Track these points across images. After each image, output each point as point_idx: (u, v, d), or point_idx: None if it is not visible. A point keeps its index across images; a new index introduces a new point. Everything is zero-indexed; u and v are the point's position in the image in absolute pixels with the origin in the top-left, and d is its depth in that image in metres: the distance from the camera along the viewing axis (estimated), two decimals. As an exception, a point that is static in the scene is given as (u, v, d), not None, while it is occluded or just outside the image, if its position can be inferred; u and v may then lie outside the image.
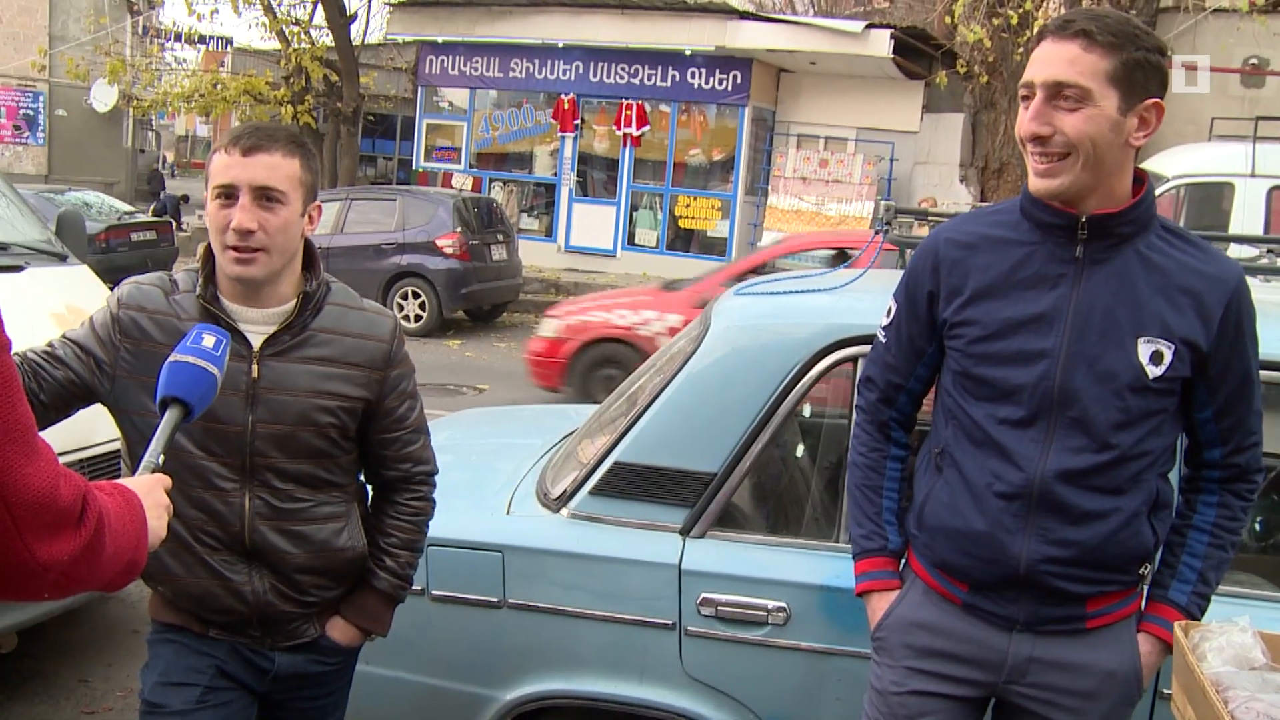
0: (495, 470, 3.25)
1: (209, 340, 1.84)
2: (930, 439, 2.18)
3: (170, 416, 1.76)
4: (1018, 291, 2.00)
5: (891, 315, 2.19)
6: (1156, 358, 1.95)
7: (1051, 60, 1.91)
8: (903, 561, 2.24)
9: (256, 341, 2.11)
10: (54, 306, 4.27)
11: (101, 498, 1.31)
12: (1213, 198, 9.42)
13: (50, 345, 2.11)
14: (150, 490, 1.53)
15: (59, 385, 2.06)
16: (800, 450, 3.27)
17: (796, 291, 2.93)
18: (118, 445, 3.89)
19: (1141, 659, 2.11)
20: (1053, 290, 1.99)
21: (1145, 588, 2.15)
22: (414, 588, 2.75)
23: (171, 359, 1.81)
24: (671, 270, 17.42)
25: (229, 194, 2.05)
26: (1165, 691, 2.39)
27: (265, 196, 2.05)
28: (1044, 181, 1.95)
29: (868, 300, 2.94)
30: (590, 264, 18.02)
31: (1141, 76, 1.90)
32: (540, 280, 16.59)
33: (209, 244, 2.12)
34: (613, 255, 18.21)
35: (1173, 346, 1.95)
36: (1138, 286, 1.97)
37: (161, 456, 1.69)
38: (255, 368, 2.10)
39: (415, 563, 2.36)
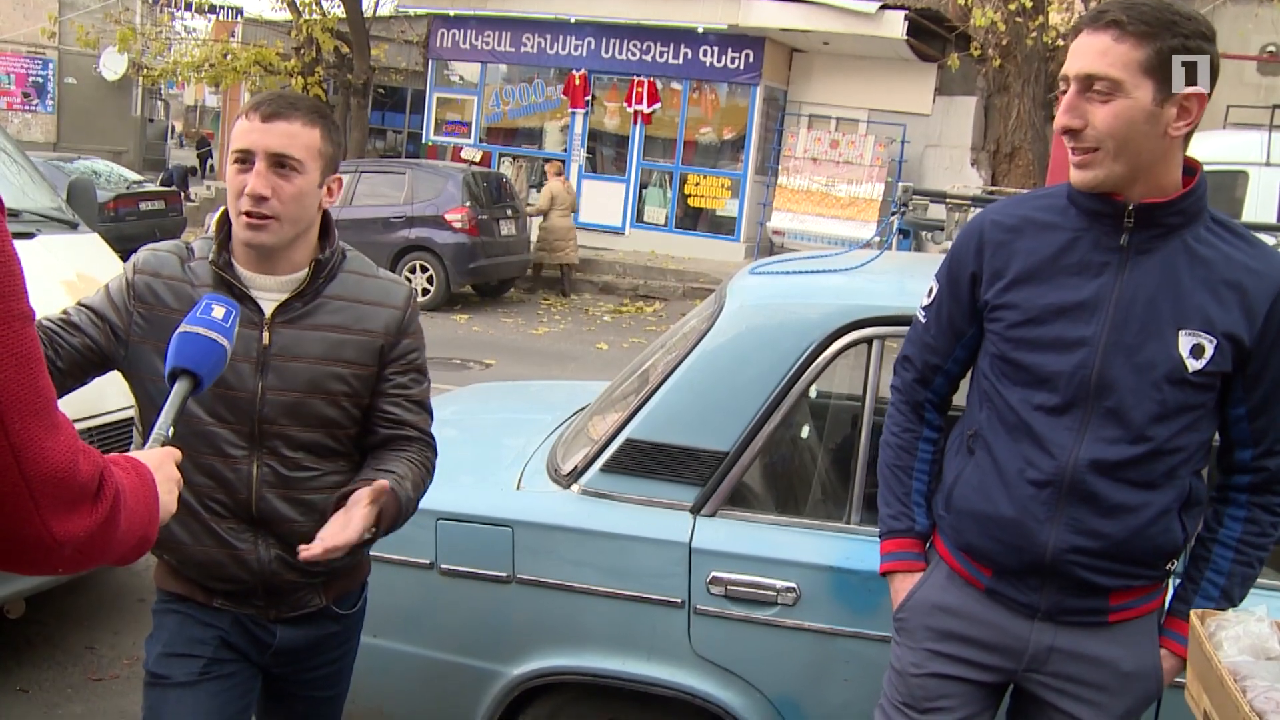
0: (504, 445, 3.24)
1: (218, 311, 1.82)
2: (963, 421, 2.16)
3: (179, 388, 1.74)
4: (1061, 277, 1.97)
5: (933, 295, 2.17)
6: (1197, 351, 1.92)
7: (1084, 52, 1.87)
8: (928, 543, 2.23)
9: (269, 308, 2.10)
10: (65, 274, 4.26)
11: (117, 473, 1.30)
12: (1226, 186, 9.36)
13: (66, 313, 2.10)
14: (161, 464, 1.52)
15: (76, 352, 2.05)
16: (812, 431, 3.25)
17: (811, 271, 2.91)
18: (127, 414, 3.91)
19: (1162, 669, 2.09)
20: (1096, 278, 1.95)
21: (1170, 583, 2.13)
22: (423, 561, 2.77)
23: (180, 330, 1.79)
24: (679, 249, 17.47)
25: (246, 159, 2.04)
26: (1175, 680, 2.38)
27: (280, 163, 2.03)
28: (1080, 174, 1.93)
29: (883, 281, 2.93)
30: (599, 240, 17.99)
31: None
32: (548, 257, 16.55)
33: (225, 210, 2.11)
34: (621, 232, 18.19)
35: (1214, 341, 1.92)
36: (1181, 278, 1.93)
37: (171, 429, 1.68)
38: (266, 334, 2.09)
39: (415, 497, 2.17)
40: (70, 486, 1.18)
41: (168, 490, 1.50)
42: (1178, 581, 2.14)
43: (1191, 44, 1.85)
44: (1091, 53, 1.86)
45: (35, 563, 1.22)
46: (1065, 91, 1.91)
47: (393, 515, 2.08)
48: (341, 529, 1.95)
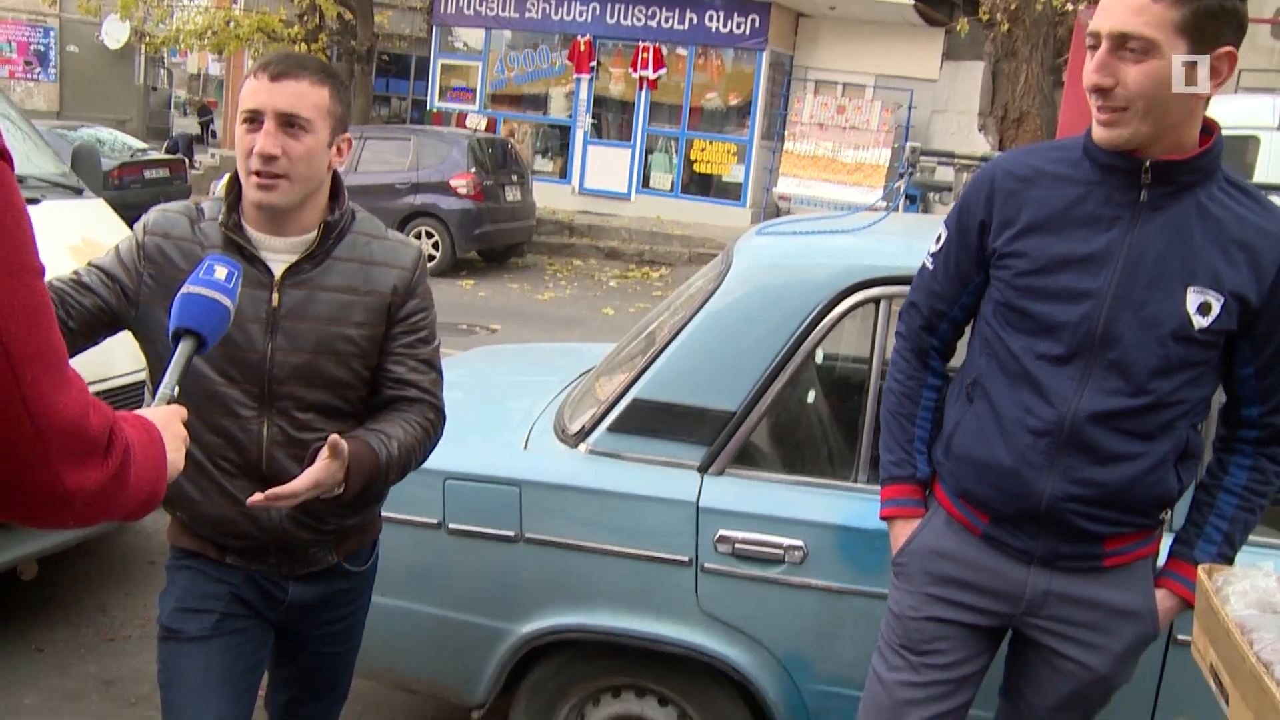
0: (511, 407, 3.24)
1: (221, 272, 1.82)
2: (963, 369, 2.17)
3: (183, 348, 1.75)
4: (1071, 229, 1.97)
5: (941, 243, 2.17)
6: (1204, 309, 1.92)
7: (1116, 9, 1.85)
8: (929, 490, 2.24)
9: (278, 270, 2.10)
10: (70, 239, 4.26)
11: (126, 428, 1.30)
12: (1236, 151, 9.28)
13: (76, 273, 2.11)
14: (168, 422, 1.53)
15: (87, 312, 2.06)
16: (819, 390, 3.25)
17: (819, 232, 2.91)
18: (136, 377, 3.92)
19: (1159, 612, 2.12)
20: (1107, 231, 1.95)
21: (1164, 531, 2.16)
22: (431, 521, 2.78)
23: (183, 292, 1.79)
24: (685, 214, 17.41)
25: (255, 119, 2.03)
26: (1180, 638, 2.39)
27: (289, 123, 2.02)
28: (1106, 132, 1.91)
29: (891, 242, 2.92)
30: (604, 206, 17.94)
31: (1213, 25, 1.83)
32: (554, 222, 16.53)
33: (235, 172, 2.11)
34: (627, 198, 18.13)
35: (1222, 299, 1.92)
36: (1193, 236, 1.93)
37: (176, 388, 1.69)
38: (276, 296, 2.09)
39: (403, 457, 2.13)
40: (82, 440, 1.18)
41: (175, 448, 1.51)
42: (1178, 526, 2.17)
43: (1228, 3, 1.83)
44: (1125, 10, 1.84)
45: (47, 515, 1.23)
46: (1094, 48, 1.89)
47: (367, 474, 2.05)
48: (289, 483, 1.97)
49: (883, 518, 2.26)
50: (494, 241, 13.94)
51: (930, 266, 2.19)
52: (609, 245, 15.94)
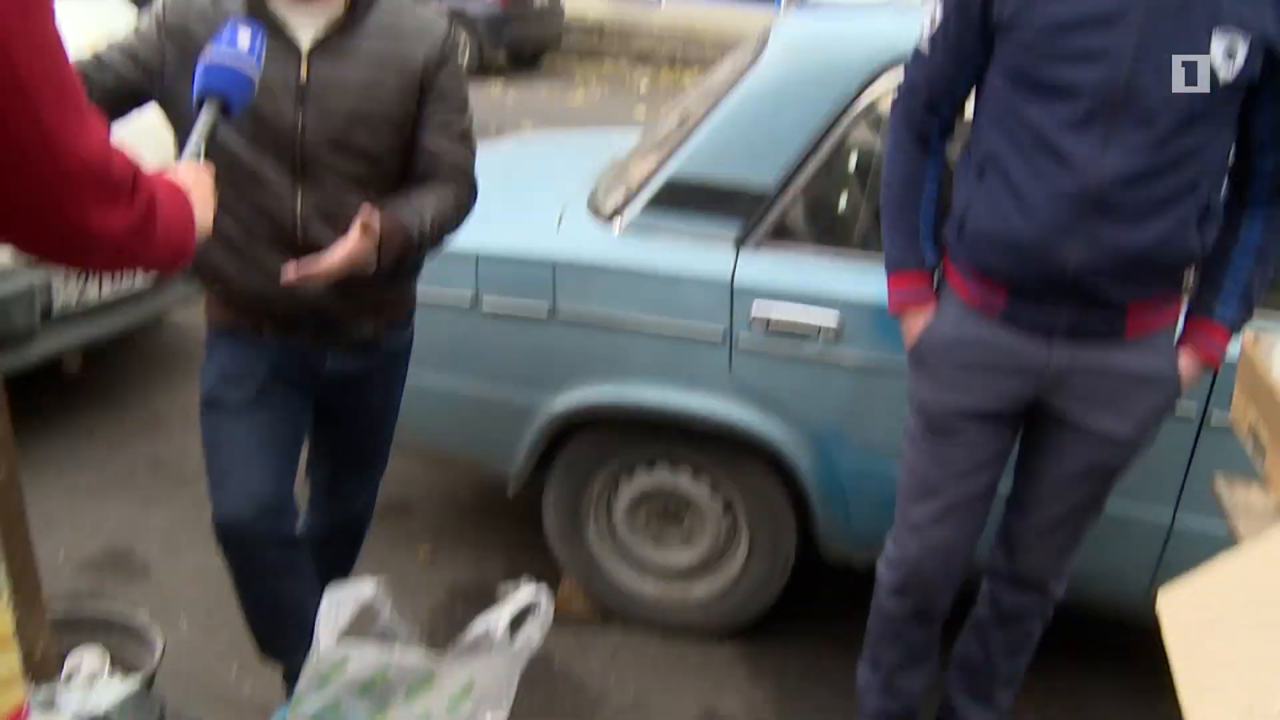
0: (544, 188, 3.20)
1: (244, 40, 1.76)
2: (971, 146, 2.10)
3: (207, 113, 1.71)
4: None
5: (937, 22, 2.07)
6: (1230, 53, 1.84)
7: None
8: (938, 277, 2.20)
9: (305, 43, 2.05)
10: (87, 31, 4.16)
11: (152, 177, 1.29)
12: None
13: (96, 54, 2.07)
14: (196, 180, 1.51)
15: (108, 88, 2.03)
16: (857, 168, 3.19)
17: (860, 12, 2.81)
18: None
19: (1182, 375, 2.11)
20: None
21: (1185, 297, 2.14)
22: (464, 301, 2.79)
23: (206, 61, 1.74)
24: (717, 20, 16.86)
25: None
26: (1214, 423, 2.39)
27: None
28: None
29: (932, 20, 2.82)
30: (634, 11, 17.38)
31: None
32: (583, 27, 16.09)
33: None
34: (657, 4, 17.55)
35: (1248, 39, 1.84)
36: None
37: (202, 152, 1.66)
38: (304, 69, 2.04)
39: (434, 229, 2.14)
40: (105, 180, 1.18)
41: (202, 204, 1.50)
42: (1195, 288, 2.14)
43: None
44: None
45: (76, 255, 1.24)
46: None
47: (399, 248, 2.06)
48: (322, 257, 1.98)
49: (892, 312, 2.22)
50: (522, 45, 13.63)
51: (926, 50, 2.10)
52: (640, 48, 15.54)
